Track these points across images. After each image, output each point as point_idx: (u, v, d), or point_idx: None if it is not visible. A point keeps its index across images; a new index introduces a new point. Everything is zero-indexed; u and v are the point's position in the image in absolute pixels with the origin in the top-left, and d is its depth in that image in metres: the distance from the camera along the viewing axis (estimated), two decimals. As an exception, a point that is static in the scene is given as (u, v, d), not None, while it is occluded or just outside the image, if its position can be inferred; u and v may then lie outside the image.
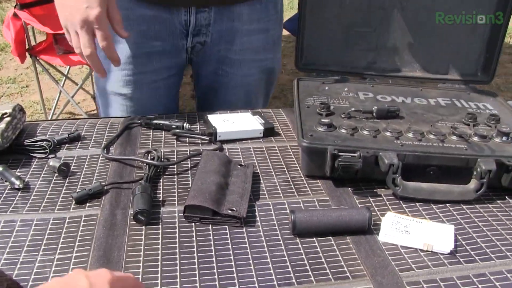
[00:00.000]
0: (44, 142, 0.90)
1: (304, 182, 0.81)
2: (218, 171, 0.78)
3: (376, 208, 0.76)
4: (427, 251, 0.68)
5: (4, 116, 0.91)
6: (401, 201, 0.78)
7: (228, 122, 0.95)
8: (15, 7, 2.50)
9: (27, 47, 2.66)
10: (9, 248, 0.67)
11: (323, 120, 0.84)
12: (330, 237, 0.69)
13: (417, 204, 0.77)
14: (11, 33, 2.51)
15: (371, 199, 0.78)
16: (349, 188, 0.80)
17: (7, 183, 0.79)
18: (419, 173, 0.79)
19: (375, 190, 0.80)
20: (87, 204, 0.75)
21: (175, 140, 0.94)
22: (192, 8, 1.09)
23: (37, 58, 2.67)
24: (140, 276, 0.62)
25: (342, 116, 0.88)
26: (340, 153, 0.77)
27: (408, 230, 0.69)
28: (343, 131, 0.83)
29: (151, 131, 0.97)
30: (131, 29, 1.03)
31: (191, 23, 1.11)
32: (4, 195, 0.78)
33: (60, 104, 3.13)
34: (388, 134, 0.83)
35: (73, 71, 3.44)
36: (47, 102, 3.25)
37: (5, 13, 5.24)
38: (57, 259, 0.65)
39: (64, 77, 3.03)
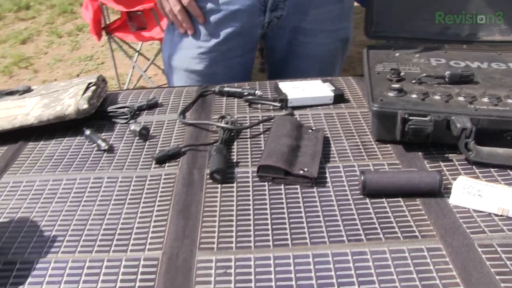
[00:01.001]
0: (125, 109, 0.96)
1: (374, 146, 0.82)
2: (290, 134, 0.80)
3: (447, 173, 0.76)
4: (501, 216, 0.67)
5: (90, 85, 0.97)
6: (474, 167, 0.77)
7: (299, 89, 0.97)
8: (92, -11, 2.61)
9: (103, 25, 2.78)
10: (98, 201, 0.73)
11: (393, 86, 0.84)
12: (400, 199, 0.70)
13: (492, 169, 0.76)
14: (89, 13, 2.64)
15: (442, 164, 0.78)
16: (420, 153, 0.80)
17: (94, 145, 0.86)
18: (494, 139, 0.77)
19: (446, 155, 0.80)
20: (166, 164, 0.80)
21: (247, 106, 0.97)
22: None
23: (112, 35, 2.78)
24: (216, 230, 0.65)
25: (413, 82, 0.88)
26: (411, 117, 0.77)
27: (481, 194, 0.69)
28: (414, 96, 0.83)
29: (224, 98, 1.01)
30: (213, 9, 1.08)
31: (269, 0, 1.13)
32: (92, 155, 0.84)
33: (133, 79, 3.26)
34: (461, 99, 0.82)
35: (144, 48, 3.55)
36: (121, 77, 3.39)
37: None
38: (141, 212, 0.70)
39: (137, 53, 3.14)
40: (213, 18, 1.15)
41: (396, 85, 0.84)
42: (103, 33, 2.81)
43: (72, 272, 0.61)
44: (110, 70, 3.42)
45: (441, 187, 0.71)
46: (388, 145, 0.82)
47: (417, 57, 1.00)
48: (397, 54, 1.01)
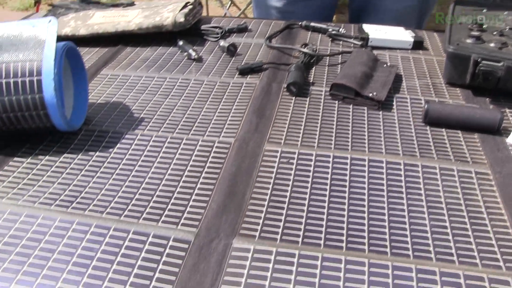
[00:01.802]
0: (217, 28, 1.05)
1: (444, 88, 0.86)
2: (365, 63, 0.86)
3: (510, 117, 0.79)
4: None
5: (188, 4, 1.06)
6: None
7: (381, 32, 1.02)
8: None
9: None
10: (184, 97, 0.83)
11: (472, 33, 0.87)
12: (458, 131, 0.75)
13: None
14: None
15: (507, 110, 0.81)
16: (487, 99, 0.84)
17: (185, 54, 0.95)
18: None
19: (513, 104, 0.83)
20: (248, 76, 0.88)
21: (330, 41, 1.03)
22: None
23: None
24: (285, 129, 0.73)
25: (494, 33, 0.91)
26: (483, 61, 0.80)
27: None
28: (492, 45, 0.86)
29: (309, 33, 1.08)
30: None
31: None
32: (182, 63, 0.94)
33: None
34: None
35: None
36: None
37: None
38: (220, 108, 0.79)
39: (230, 2, 3.23)
40: None
41: (475, 33, 0.88)
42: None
43: (154, 144, 0.71)
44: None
45: (500, 126, 0.74)
46: (457, 88, 0.86)
47: (506, 14, 1.01)
48: (484, 10, 1.03)
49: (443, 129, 0.75)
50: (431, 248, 0.54)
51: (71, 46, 0.74)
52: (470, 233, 0.56)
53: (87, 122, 0.76)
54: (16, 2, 4.41)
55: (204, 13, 3.15)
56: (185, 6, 1.05)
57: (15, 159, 0.69)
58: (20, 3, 4.37)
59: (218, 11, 3.48)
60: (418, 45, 1.01)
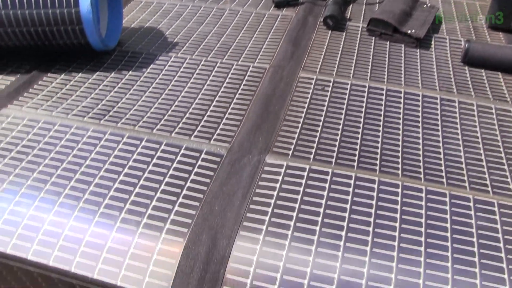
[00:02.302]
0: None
1: (485, 31, 0.84)
2: (405, 2, 0.84)
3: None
4: None
5: None
6: None
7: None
8: None
9: None
10: (218, 25, 0.83)
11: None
12: (499, 73, 0.73)
13: None
14: None
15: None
16: (530, 44, 0.81)
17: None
18: None
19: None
20: (284, 9, 0.87)
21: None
22: None
23: None
24: (319, 65, 0.72)
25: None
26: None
27: None
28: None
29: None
30: None
31: None
32: (216, -6, 0.93)
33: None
34: None
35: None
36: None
37: None
38: (256, 36, 0.78)
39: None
40: None
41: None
42: None
43: (188, 66, 0.71)
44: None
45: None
46: (499, 32, 0.84)
47: None
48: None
49: (482, 70, 0.73)
50: (465, 178, 0.53)
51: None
52: (506, 167, 0.55)
53: (120, 44, 0.76)
54: None
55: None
56: None
57: (49, 74, 0.69)
58: None
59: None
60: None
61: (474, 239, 0.46)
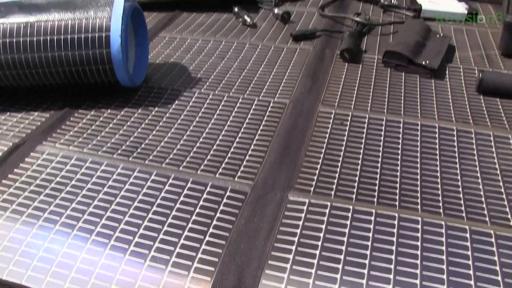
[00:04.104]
0: (271, -4, 1.06)
1: (498, 59, 0.86)
2: (418, 32, 0.86)
3: None
4: None
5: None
6: None
7: (434, 3, 1.02)
8: None
9: None
10: (239, 60, 0.85)
11: (532, 4, 0.86)
12: (513, 101, 0.74)
13: None
14: None
15: None
16: (544, 71, 0.83)
17: (240, 20, 0.97)
18: None
19: None
20: (302, 42, 0.90)
21: (382, 12, 1.03)
22: None
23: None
24: (337, 98, 0.74)
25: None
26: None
27: None
28: (551, 16, 0.85)
29: (361, 3, 1.08)
30: None
31: None
32: (237, 28, 0.96)
33: None
34: None
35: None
36: None
37: None
38: (274, 73, 0.81)
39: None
40: None
41: (534, 4, 0.86)
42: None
43: (211, 102, 0.74)
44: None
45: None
46: (512, 60, 0.86)
47: None
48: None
49: (497, 99, 0.75)
50: (485, 212, 0.55)
51: (136, 7, 0.77)
52: (525, 199, 0.57)
53: (146, 80, 0.79)
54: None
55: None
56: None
57: (80, 111, 0.73)
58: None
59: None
60: (472, 17, 1.00)
61: (499, 278, 0.47)
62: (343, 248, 0.50)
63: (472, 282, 0.47)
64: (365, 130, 0.67)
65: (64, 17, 0.71)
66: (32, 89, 0.74)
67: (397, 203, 0.56)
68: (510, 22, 0.83)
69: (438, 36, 0.89)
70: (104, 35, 0.70)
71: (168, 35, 0.94)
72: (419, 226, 0.53)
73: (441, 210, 0.55)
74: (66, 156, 0.64)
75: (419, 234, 0.52)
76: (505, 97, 0.75)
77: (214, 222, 0.54)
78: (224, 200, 0.57)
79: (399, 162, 0.61)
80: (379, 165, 0.61)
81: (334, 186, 0.58)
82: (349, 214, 0.54)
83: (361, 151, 0.63)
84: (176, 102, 0.74)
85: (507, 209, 0.55)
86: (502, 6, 0.90)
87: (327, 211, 0.55)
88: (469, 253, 0.50)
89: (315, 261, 0.49)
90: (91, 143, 0.66)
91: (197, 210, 0.55)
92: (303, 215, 0.54)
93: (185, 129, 0.68)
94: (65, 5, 0.73)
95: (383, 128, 0.67)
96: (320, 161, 0.62)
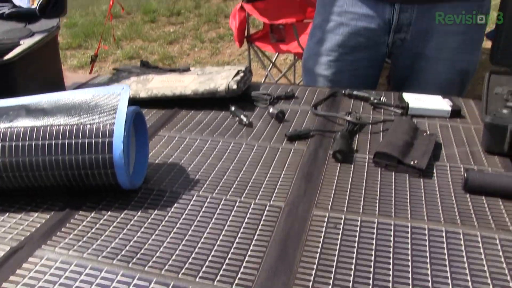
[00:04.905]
0: (266, 95, 1.12)
1: (482, 155, 0.90)
2: (406, 132, 0.91)
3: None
4: None
5: (240, 72, 1.14)
6: None
7: (420, 100, 1.08)
8: (242, 0, 2.89)
9: (245, 34, 3.03)
10: (236, 161, 0.89)
11: (508, 104, 0.92)
12: (499, 199, 0.78)
13: None
14: (235, 22, 2.92)
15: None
16: (526, 167, 0.87)
17: (237, 119, 1.02)
18: None
19: (554, 174, 0.85)
20: (296, 142, 0.94)
21: (371, 109, 1.09)
22: (396, 7, 1.24)
23: (253, 44, 3.02)
24: (331, 199, 0.78)
25: (530, 105, 0.95)
26: (520, 131, 0.84)
27: None
28: (527, 115, 0.90)
29: (352, 100, 1.14)
30: (344, 23, 1.24)
31: (393, 21, 1.26)
32: (234, 127, 1.01)
33: (264, 88, 3.48)
34: None
35: (278, 61, 3.76)
36: (253, 86, 3.62)
37: (229, 9, 5.94)
38: (270, 174, 0.84)
39: (271, 64, 3.35)
40: (342, 31, 1.30)
41: (511, 104, 0.92)
42: (245, 41, 3.06)
43: (209, 205, 0.77)
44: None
45: (541, 196, 0.77)
46: (495, 157, 0.90)
47: (539, 85, 1.05)
48: (518, 80, 1.08)
49: (483, 197, 0.78)
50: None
51: (138, 112, 0.81)
52: (515, 302, 0.59)
53: (146, 181, 0.83)
54: (74, 60, 4.70)
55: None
56: (237, 74, 1.12)
57: (80, 212, 0.76)
58: (77, 61, 4.65)
59: (259, 71, 3.61)
60: (456, 113, 1.05)
61: None
62: None
63: None
64: (357, 234, 0.70)
65: (70, 122, 0.76)
66: (33, 190, 0.77)
67: (390, 310, 0.58)
68: (489, 122, 0.88)
69: (425, 134, 0.93)
70: (107, 140, 0.74)
71: (167, 134, 0.98)
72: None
73: (433, 317, 0.57)
74: (66, 262, 0.66)
75: None
76: (490, 195, 0.78)
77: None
78: (222, 309, 0.58)
79: (391, 266, 0.64)
80: (371, 269, 0.63)
81: (328, 293, 0.60)
82: (344, 323, 0.56)
83: (354, 255, 0.66)
84: (175, 205, 0.77)
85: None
86: (481, 106, 0.95)
87: (322, 319, 0.56)
88: None
89: None
90: (91, 247, 0.68)
91: (196, 319, 0.57)
92: (299, 323, 0.56)
93: (184, 233, 0.71)
94: (71, 110, 0.77)
95: (375, 231, 0.70)
96: (315, 266, 0.64)
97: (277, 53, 3.33)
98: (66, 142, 0.73)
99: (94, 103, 0.77)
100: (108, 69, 4.69)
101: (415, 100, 1.07)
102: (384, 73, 1.43)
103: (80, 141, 0.73)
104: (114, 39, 5.33)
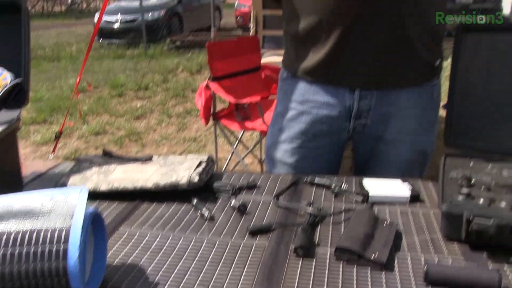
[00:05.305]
0: (228, 186, 1.13)
1: (442, 243, 0.92)
2: (367, 224, 0.93)
3: (510, 276, 0.83)
4: None
5: (201, 162, 1.15)
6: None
7: (380, 187, 1.10)
8: (208, 79, 2.96)
9: (211, 112, 3.08)
10: (197, 259, 0.88)
11: (462, 191, 0.95)
12: (460, 289, 0.79)
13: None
14: (201, 100, 2.97)
15: (506, 266, 0.85)
16: (484, 253, 0.88)
17: (199, 212, 1.02)
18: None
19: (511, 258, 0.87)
20: (258, 236, 0.94)
21: (333, 197, 1.10)
22: (356, 94, 1.29)
23: (218, 122, 3.07)
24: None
25: (482, 188, 0.98)
26: (475, 220, 0.86)
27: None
28: (481, 201, 0.92)
29: (314, 188, 1.15)
30: (306, 112, 1.28)
31: (354, 108, 1.31)
32: (196, 221, 1.01)
33: (231, 163, 3.50)
34: (527, 209, 0.90)
35: (245, 137, 3.81)
36: (220, 161, 3.64)
37: (196, 83, 6.06)
38: (231, 274, 0.84)
39: (238, 141, 3.39)
40: (304, 119, 1.34)
41: (465, 190, 0.95)
42: (211, 118, 3.11)
43: (172, 313, 0.75)
44: (211, 153, 3.70)
45: (501, 285, 0.78)
46: (454, 243, 0.92)
47: (490, 167, 1.09)
48: (471, 164, 1.11)
49: (444, 289, 0.79)
50: None
51: (96, 214, 0.81)
52: None
53: (104, 283, 0.81)
54: (38, 136, 4.65)
55: (212, 147, 3.32)
56: (199, 165, 1.13)
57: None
58: (41, 137, 4.61)
59: (225, 147, 3.64)
60: (415, 199, 1.08)
61: None
62: None
63: None
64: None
65: (23, 228, 0.74)
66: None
67: None
68: (446, 211, 0.90)
69: (385, 224, 0.95)
70: (62, 247, 0.72)
71: (128, 230, 0.97)
72: None
73: None
74: None
75: None
76: (451, 287, 0.79)
77: None
78: None
79: None
80: None
81: None
82: None
83: None
84: (135, 314, 0.75)
85: None
86: (437, 192, 0.98)
87: None
88: None
89: None
90: None
91: None
92: None
93: None
94: (25, 214, 0.75)
95: (337, 333, 0.69)
96: None
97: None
98: (17, 251, 0.71)
99: (50, 206, 0.76)
100: (73, 145, 4.66)
101: (375, 187, 1.09)
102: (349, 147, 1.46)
103: (32, 250, 0.72)
104: (80, 114, 5.33)
